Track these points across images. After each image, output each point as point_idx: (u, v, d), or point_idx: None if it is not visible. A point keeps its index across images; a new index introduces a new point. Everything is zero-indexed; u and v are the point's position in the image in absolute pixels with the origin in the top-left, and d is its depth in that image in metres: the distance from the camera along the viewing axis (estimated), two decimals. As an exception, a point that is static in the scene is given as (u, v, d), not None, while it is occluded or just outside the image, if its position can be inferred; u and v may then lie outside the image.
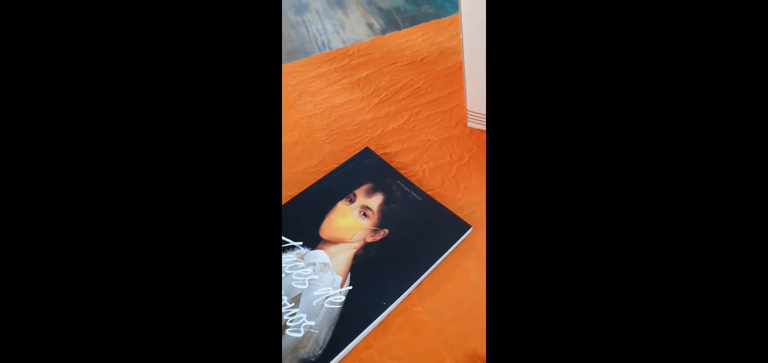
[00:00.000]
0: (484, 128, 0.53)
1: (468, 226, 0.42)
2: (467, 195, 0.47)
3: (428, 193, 0.46)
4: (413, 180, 0.48)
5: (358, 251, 0.40)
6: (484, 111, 0.51)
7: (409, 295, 0.39)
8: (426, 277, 0.40)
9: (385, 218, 0.43)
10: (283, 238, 0.41)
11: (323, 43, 1.24)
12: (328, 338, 0.35)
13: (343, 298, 0.37)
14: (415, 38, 0.68)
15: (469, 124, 0.54)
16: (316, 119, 0.56)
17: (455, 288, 0.39)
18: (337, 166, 0.49)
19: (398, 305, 0.38)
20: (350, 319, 0.36)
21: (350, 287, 0.38)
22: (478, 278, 0.40)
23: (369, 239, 0.41)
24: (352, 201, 0.44)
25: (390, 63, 0.64)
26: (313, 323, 0.36)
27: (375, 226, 0.42)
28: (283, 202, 0.46)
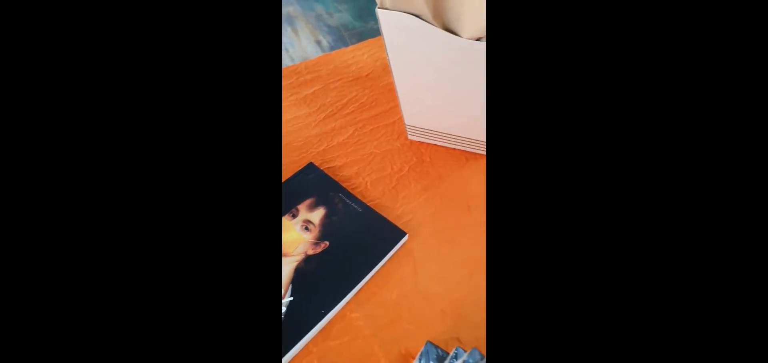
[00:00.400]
0: (423, 140, 0.56)
1: (404, 234, 0.45)
2: (406, 203, 0.50)
3: (369, 204, 0.49)
4: (356, 192, 0.50)
5: (299, 264, 0.42)
6: (418, 124, 0.54)
7: (348, 302, 0.41)
8: (364, 285, 0.42)
9: (326, 231, 0.45)
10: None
11: (275, 60, 1.24)
12: (269, 348, 0.37)
13: (284, 309, 0.39)
14: (360, 54, 0.71)
15: (410, 137, 0.57)
16: (263, 137, 0.58)
17: (391, 293, 0.42)
18: (282, 182, 0.51)
19: (337, 313, 0.40)
20: (291, 329, 0.38)
21: (291, 298, 0.40)
22: (413, 282, 0.43)
23: (310, 252, 0.43)
24: (294, 216, 0.46)
25: (336, 79, 0.66)
26: (254, 335, 0.37)
27: (316, 240, 0.44)
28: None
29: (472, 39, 0.37)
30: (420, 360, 0.34)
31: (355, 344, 0.39)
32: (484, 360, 0.28)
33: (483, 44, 0.38)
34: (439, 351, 0.34)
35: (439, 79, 0.44)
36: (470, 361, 0.28)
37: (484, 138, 0.52)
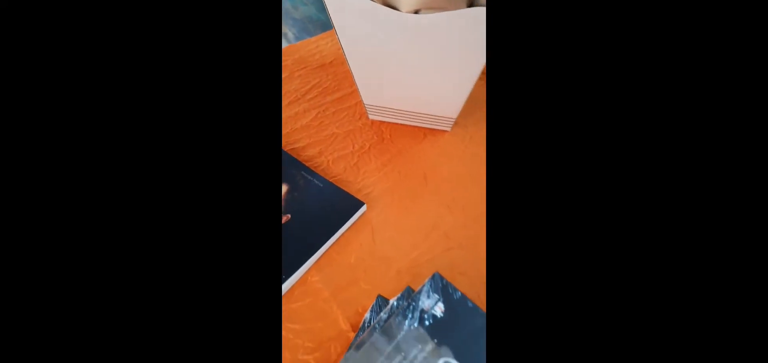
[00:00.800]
0: (383, 119, 0.59)
1: (362, 204, 0.48)
2: (366, 178, 0.52)
3: (331, 180, 0.51)
4: (318, 170, 0.53)
5: (262, 236, 0.44)
6: (376, 103, 0.56)
7: (309, 268, 0.43)
8: (325, 252, 0.45)
9: (288, 206, 0.47)
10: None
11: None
12: (232, 313, 0.39)
13: (247, 277, 0.41)
14: (324, 44, 0.73)
15: (371, 117, 0.60)
16: (230, 124, 0.60)
17: (349, 258, 0.44)
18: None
19: (299, 278, 0.43)
20: (253, 295, 0.40)
21: (254, 267, 0.42)
22: (371, 247, 0.45)
23: (272, 224, 0.45)
24: (258, 193, 0.49)
25: (301, 68, 0.69)
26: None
27: (278, 213, 0.46)
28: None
29: (410, 12, 0.40)
30: (371, 312, 0.36)
31: (315, 305, 0.41)
32: (413, 293, 0.31)
33: (421, 17, 0.40)
34: (388, 302, 0.37)
35: (385, 55, 0.46)
36: (401, 298, 0.31)
37: (438, 112, 0.55)
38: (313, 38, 0.74)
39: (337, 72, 0.67)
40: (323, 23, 1.00)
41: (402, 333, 0.27)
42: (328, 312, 0.40)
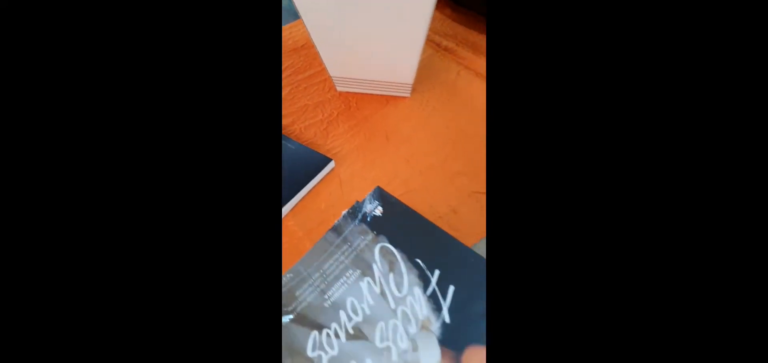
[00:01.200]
0: (350, 90, 0.65)
1: (330, 160, 0.54)
2: (334, 140, 0.59)
3: (303, 144, 0.57)
4: (291, 136, 0.59)
5: (242, 190, 0.51)
6: (341, 74, 0.63)
7: (285, 215, 0.50)
8: (299, 201, 0.51)
9: (265, 165, 0.54)
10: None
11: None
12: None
13: (230, 224, 0.48)
14: (297, 31, 0.80)
15: (339, 89, 0.66)
16: (211, 104, 0.66)
17: (320, 205, 0.51)
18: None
19: (276, 224, 0.49)
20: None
21: (236, 216, 0.48)
22: (339, 195, 0.52)
23: (252, 181, 0.52)
24: (238, 157, 0.55)
25: (274, 52, 0.75)
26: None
27: (256, 171, 0.53)
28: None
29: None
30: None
31: (290, 243, 0.47)
32: (359, 203, 0.38)
33: (369, -10, 0.47)
34: (351, 229, 0.43)
35: (344, 28, 0.53)
36: (350, 209, 0.37)
37: (395, 79, 0.62)
38: (287, 26, 0.81)
39: (307, 54, 0.74)
40: (294, 13, 1.06)
41: (349, 229, 0.34)
42: (302, 249, 0.47)
